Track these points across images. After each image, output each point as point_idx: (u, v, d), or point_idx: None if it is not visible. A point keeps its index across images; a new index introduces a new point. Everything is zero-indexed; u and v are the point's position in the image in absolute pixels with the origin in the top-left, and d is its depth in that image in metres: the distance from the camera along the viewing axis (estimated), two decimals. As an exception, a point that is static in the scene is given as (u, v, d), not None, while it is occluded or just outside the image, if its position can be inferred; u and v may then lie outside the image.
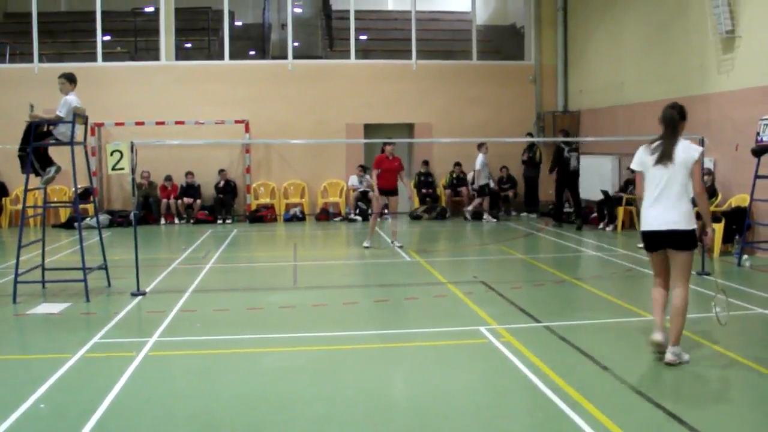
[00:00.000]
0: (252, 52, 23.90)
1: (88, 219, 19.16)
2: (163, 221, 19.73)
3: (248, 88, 20.51)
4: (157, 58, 21.04)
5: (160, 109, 19.91)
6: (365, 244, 14.84)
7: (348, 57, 21.23)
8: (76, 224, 18.50)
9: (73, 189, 10.70)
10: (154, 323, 8.85)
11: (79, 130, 10.74)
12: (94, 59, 20.38)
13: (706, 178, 14.22)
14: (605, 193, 17.77)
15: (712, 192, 14.15)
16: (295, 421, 5.83)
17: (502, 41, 23.66)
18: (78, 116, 10.49)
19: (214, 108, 20.18)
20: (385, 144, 14.91)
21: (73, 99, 10.52)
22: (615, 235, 16.63)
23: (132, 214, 11.29)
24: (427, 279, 11.78)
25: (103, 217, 19.07)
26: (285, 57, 21.14)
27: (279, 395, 6.46)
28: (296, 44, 21.41)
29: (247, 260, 14.24)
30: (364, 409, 6.09)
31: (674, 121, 7.19)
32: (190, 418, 5.89)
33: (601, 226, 17.63)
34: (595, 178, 19.05)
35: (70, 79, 10.75)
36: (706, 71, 14.80)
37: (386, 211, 15.43)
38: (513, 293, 10.44)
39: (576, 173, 18.49)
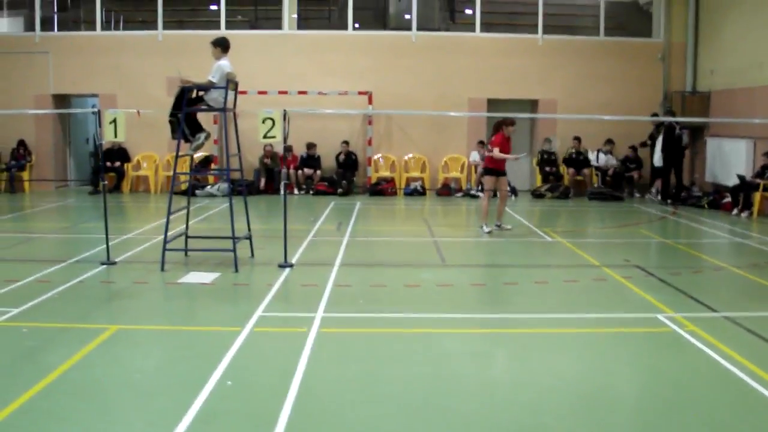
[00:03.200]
0: (356, 24, 23.36)
1: (208, 187, 19.22)
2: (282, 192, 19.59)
3: (370, 59, 20.23)
4: (276, 27, 20.90)
5: (282, 79, 19.78)
6: (486, 229, 13.69)
7: (470, 29, 20.72)
8: (197, 191, 18.76)
9: (226, 155, 10.49)
10: (314, 297, 8.65)
11: (230, 96, 10.55)
12: (214, 28, 20.33)
13: None
14: (741, 177, 16.96)
15: None
16: (504, 409, 5.54)
17: (625, 17, 22.75)
18: (230, 82, 10.32)
19: (335, 78, 19.98)
20: (506, 123, 13.84)
21: (225, 64, 10.36)
22: (751, 222, 15.84)
23: (282, 184, 11.08)
24: (577, 261, 11.33)
25: (224, 186, 19.09)
26: (400, 28, 20.76)
27: (473, 380, 6.17)
28: (408, 16, 20.87)
29: (383, 234, 13.97)
30: (575, 397, 5.76)
31: None
32: (386, 400, 5.65)
33: (734, 211, 16.82)
34: (728, 162, 18.28)
35: (221, 44, 10.56)
36: None
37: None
38: (675, 279, 9.93)
39: (684, 150, 19.03)
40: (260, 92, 19.49)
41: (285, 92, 19.49)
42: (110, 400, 5.60)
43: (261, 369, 6.33)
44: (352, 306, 8.44)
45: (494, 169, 13.78)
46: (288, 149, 19.81)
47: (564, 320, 8.09)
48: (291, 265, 10.38)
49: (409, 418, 5.34)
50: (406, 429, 5.18)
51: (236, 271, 10.07)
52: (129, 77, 20.00)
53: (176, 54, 19.55)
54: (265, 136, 10.44)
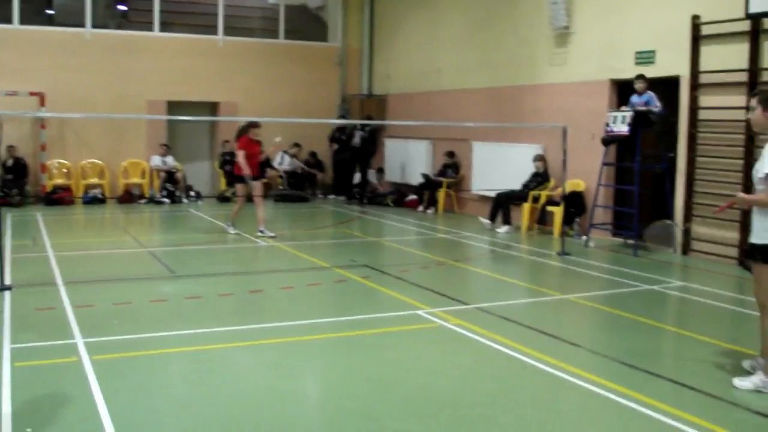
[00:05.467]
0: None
1: None
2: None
3: (42, 57, 18.48)
4: None
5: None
6: (233, 231, 13.89)
7: (148, 29, 19.88)
8: None
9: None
10: (59, 322, 7.76)
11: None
12: None
13: (538, 164, 14.95)
14: (426, 176, 18.11)
15: (545, 177, 14.86)
16: (341, 417, 5.42)
17: (302, 22, 23.19)
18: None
19: (3, 78, 18.01)
20: (251, 126, 13.79)
21: None
22: (437, 218, 16.98)
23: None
24: (306, 264, 11.37)
25: None
26: (66, 24, 19.37)
27: (289, 393, 5.98)
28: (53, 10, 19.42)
29: (89, 247, 12.82)
30: (402, 398, 5.77)
31: None
32: (218, 425, 5.26)
33: (420, 208, 17.92)
34: (409, 162, 19.39)
35: None
36: (536, 63, 15.48)
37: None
38: (409, 276, 10.37)
39: (360, 150, 19.86)
40: None
41: (-59, 93, 17.27)
42: None
43: (55, 408, 5.52)
44: (110, 328, 7.69)
45: (242, 176, 13.67)
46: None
47: (337, 324, 8.06)
48: (9, 288, 9.24)
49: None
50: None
51: (-60, 298, 8.76)
52: None
53: None
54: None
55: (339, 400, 5.78)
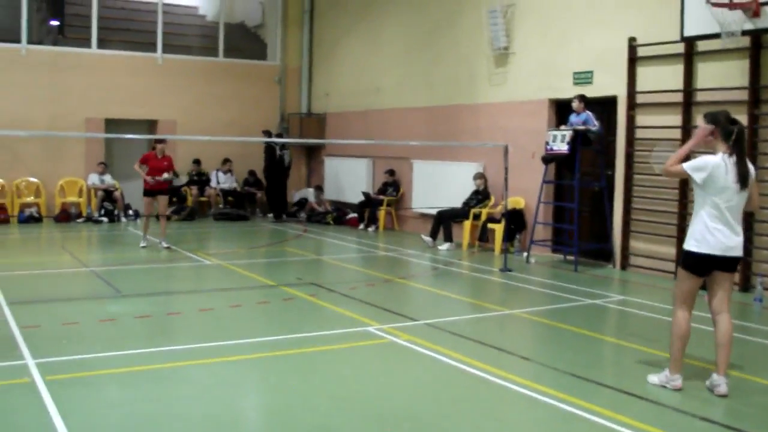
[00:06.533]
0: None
1: None
2: None
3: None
4: None
5: None
6: (142, 244, 14.27)
7: (86, 45, 19.64)
8: None
9: None
10: (7, 343, 7.57)
11: None
12: None
13: (479, 182, 15.19)
14: (366, 194, 18.22)
15: (486, 195, 15.10)
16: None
17: (241, 40, 23.20)
18: None
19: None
20: (156, 142, 14.62)
21: None
22: (378, 236, 17.10)
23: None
24: (252, 282, 11.38)
25: None
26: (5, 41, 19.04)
27: (261, 410, 6.09)
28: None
29: (27, 267, 12.54)
30: (373, 416, 5.84)
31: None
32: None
33: (361, 226, 18.02)
34: (349, 180, 19.48)
35: None
36: (476, 82, 15.75)
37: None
38: (357, 293, 10.44)
39: (288, 170, 20.05)
40: None
41: None
42: None
43: (13, 429, 5.48)
44: (60, 348, 7.58)
45: (148, 189, 14.20)
46: None
47: (290, 341, 8.06)
48: (-57, 306, 9.07)
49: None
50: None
51: None
52: None
53: None
54: None
55: (300, 416, 5.83)
